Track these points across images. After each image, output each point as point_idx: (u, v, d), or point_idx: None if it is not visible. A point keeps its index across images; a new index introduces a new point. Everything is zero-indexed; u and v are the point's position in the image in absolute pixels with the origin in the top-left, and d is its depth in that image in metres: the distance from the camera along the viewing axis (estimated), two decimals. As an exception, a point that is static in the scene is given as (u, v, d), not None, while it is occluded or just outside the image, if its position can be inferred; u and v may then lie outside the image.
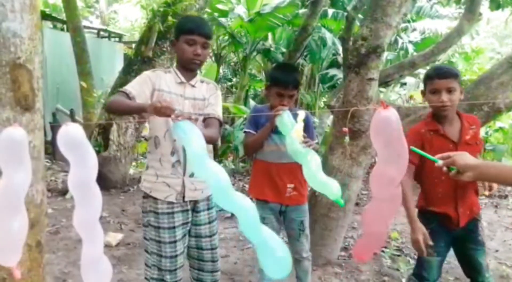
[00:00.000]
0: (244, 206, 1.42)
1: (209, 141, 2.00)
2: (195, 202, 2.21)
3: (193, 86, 2.19)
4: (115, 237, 3.96)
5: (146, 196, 2.19)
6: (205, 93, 2.22)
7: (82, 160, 1.31)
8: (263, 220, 2.27)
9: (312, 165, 1.67)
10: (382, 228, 1.52)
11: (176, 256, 2.15)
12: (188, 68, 2.17)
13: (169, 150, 2.12)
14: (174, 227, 2.14)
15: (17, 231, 1.25)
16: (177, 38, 2.17)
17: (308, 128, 2.23)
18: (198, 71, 2.30)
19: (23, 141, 1.23)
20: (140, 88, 2.05)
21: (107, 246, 3.84)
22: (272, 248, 1.44)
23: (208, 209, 2.27)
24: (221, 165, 6.40)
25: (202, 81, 2.26)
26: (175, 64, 2.28)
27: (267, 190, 2.44)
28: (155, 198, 2.14)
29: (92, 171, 1.33)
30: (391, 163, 1.36)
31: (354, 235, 4.15)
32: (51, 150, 7.00)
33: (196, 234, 2.26)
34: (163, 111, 1.66)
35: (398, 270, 3.36)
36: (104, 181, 5.62)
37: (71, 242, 3.95)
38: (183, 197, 2.14)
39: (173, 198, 2.13)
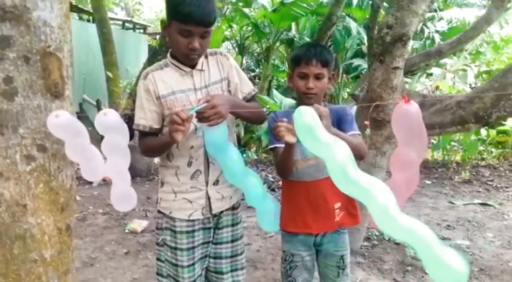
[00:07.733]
0: (252, 182, 1.82)
1: (261, 115, 1.93)
2: (218, 218, 1.89)
3: (201, 70, 1.80)
4: (140, 224, 4.06)
5: (162, 213, 1.89)
6: (218, 72, 1.83)
7: (116, 131, 1.54)
8: (292, 257, 1.93)
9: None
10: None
11: (194, 281, 1.86)
12: (185, 62, 1.79)
13: (186, 161, 1.79)
14: (193, 248, 1.84)
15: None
16: (169, 22, 1.70)
17: (344, 120, 1.89)
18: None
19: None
20: (147, 112, 1.77)
21: (133, 232, 3.94)
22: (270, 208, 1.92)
23: (233, 225, 1.93)
24: (244, 155, 6.46)
25: (206, 57, 1.83)
26: (168, 53, 1.87)
27: (309, 220, 1.87)
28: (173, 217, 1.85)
29: (124, 137, 1.57)
30: (411, 150, 1.52)
31: (377, 226, 4.13)
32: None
33: (215, 254, 1.91)
34: (181, 127, 1.55)
35: (421, 260, 3.34)
36: (129, 170, 5.72)
37: (98, 228, 4.06)
38: (210, 210, 1.83)
39: (199, 214, 1.82)
